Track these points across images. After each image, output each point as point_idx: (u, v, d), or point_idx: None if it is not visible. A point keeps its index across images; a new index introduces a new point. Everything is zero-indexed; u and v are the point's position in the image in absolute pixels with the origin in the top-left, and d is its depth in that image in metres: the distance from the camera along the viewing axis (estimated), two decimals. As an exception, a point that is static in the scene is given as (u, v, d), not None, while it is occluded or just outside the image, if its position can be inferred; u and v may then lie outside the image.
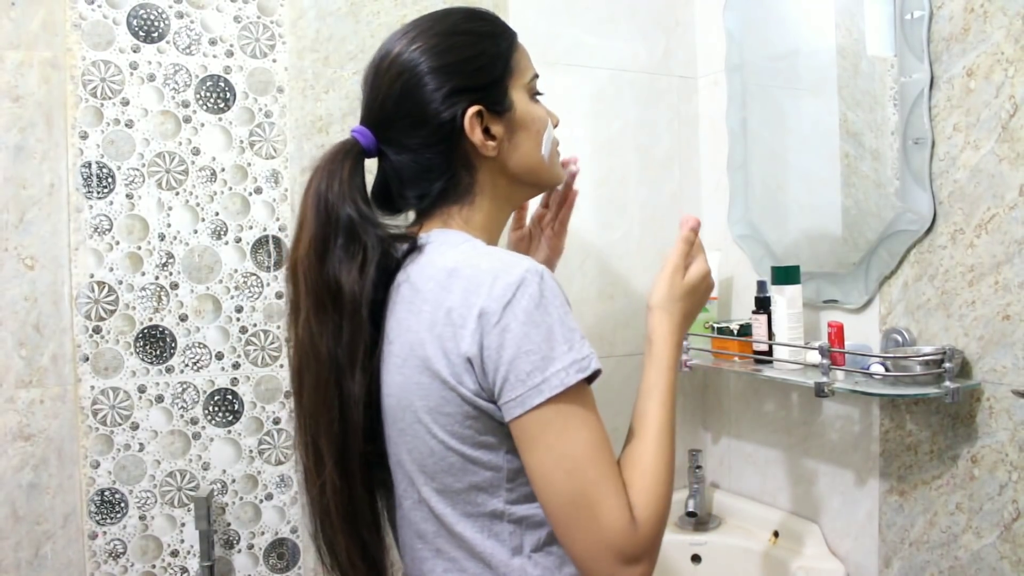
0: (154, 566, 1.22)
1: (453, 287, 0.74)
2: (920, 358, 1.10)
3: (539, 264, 0.75)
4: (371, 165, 0.87)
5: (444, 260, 0.78)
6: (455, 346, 0.73)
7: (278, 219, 1.29)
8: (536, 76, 0.90)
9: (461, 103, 0.82)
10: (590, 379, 0.73)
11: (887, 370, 1.13)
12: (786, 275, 1.28)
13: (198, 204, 1.24)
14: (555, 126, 0.92)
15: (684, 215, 0.90)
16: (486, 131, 0.84)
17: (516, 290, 0.71)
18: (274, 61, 1.28)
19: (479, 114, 0.83)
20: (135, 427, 1.21)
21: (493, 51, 0.86)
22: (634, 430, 0.79)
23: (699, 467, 1.52)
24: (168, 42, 1.22)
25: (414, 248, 0.82)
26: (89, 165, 1.18)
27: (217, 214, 1.25)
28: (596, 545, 0.71)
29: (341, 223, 0.79)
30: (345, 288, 0.78)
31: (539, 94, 0.91)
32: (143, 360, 1.21)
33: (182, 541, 1.24)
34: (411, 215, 0.90)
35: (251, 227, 1.27)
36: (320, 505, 0.81)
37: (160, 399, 1.22)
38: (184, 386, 1.24)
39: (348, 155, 0.83)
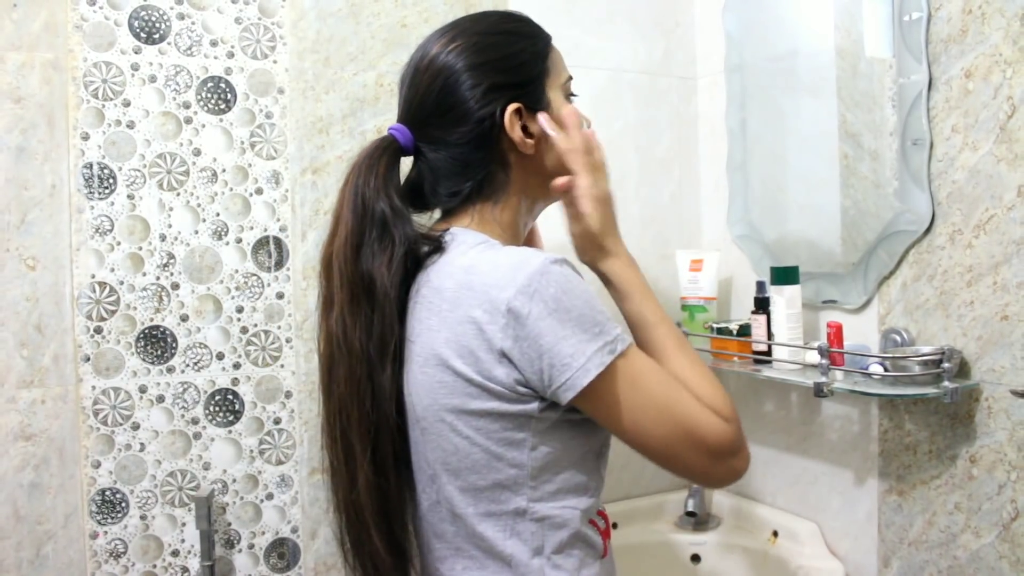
0: (155, 566, 1.22)
1: (474, 284, 0.75)
2: (919, 358, 1.11)
3: (559, 255, 0.77)
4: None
5: (463, 260, 0.79)
6: (483, 343, 0.74)
7: (279, 220, 1.29)
8: (571, 78, 0.92)
9: (500, 100, 0.83)
10: None
11: (886, 370, 1.13)
12: (785, 275, 1.28)
13: (199, 205, 1.25)
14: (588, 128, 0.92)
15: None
16: (524, 129, 0.85)
17: (541, 279, 0.73)
18: (275, 62, 1.29)
19: (518, 111, 0.84)
20: (136, 427, 1.21)
21: (531, 50, 0.88)
22: (661, 355, 0.83)
23: (699, 467, 1.52)
24: (169, 43, 1.22)
25: (438, 248, 0.83)
26: (90, 166, 1.18)
27: (218, 215, 1.26)
28: (710, 457, 0.77)
29: (376, 218, 0.81)
30: (377, 281, 0.80)
31: (573, 95, 0.92)
32: (144, 360, 1.22)
33: (183, 541, 1.24)
34: (437, 213, 0.92)
35: (252, 228, 1.28)
36: (349, 501, 0.81)
37: (161, 399, 1.23)
38: (185, 386, 1.24)
39: (385, 152, 0.85)
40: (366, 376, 0.79)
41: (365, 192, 0.82)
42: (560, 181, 0.86)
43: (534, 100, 0.86)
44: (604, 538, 0.85)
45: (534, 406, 0.75)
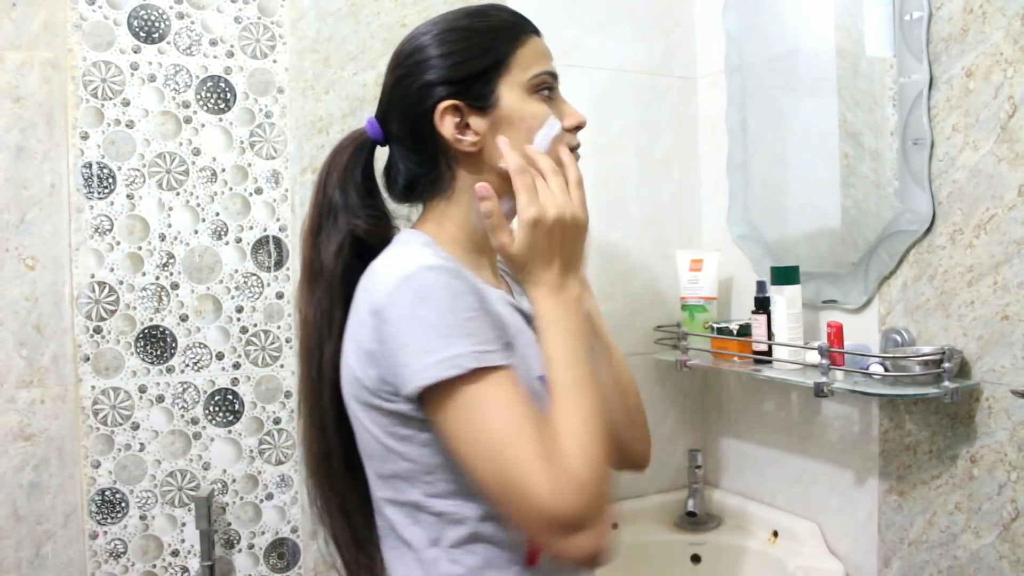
0: (155, 566, 1.22)
1: (368, 286, 0.79)
2: (919, 358, 1.11)
3: (443, 263, 0.75)
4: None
5: (377, 261, 0.82)
6: (363, 342, 0.77)
7: (278, 219, 1.29)
8: (543, 74, 0.86)
9: (436, 95, 0.83)
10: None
11: (886, 370, 1.13)
12: (786, 275, 1.28)
13: (199, 204, 1.25)
14: (572, 127, 0.88)
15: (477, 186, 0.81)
16: (467, 126, 0.84)
17: (405, 284, 0.73)
18: (274, 62, 1.28)
19: (455, 108, 0.82)
20: (136, 427, 1.21)
21: (484, 45, 0.85)
22: (552, 398, 0.76)
23: (699, 467, 1.52)
24: (169, 43, 1.22)
25: (382, 246, 0.86)
26: (90, 165, 1.18)
27: (217, 214, 1.26)
28: (533, 522, 0.69)
29: (332, 206, 0.86)
30: (325, 264, 0.85)
31: (545, 90, 0.87)
32: (144, 360, 1.22)
33: (183, 541, 1.24)
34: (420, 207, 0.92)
35: (251, 227, 1.28)
36: (305, 462, 0.89)
37: (161, 399, 1.23)
38: (185, 386, 1.24)
39: (352, 143, 0.89)
40: (316, 345, 0.85)
41: (327, 181, 0.87)
42: (478, 186, 0.81)
43: (476, 97, 0.83)
44: (543, 550, 0.81)
45: (407, 407, 0.75)
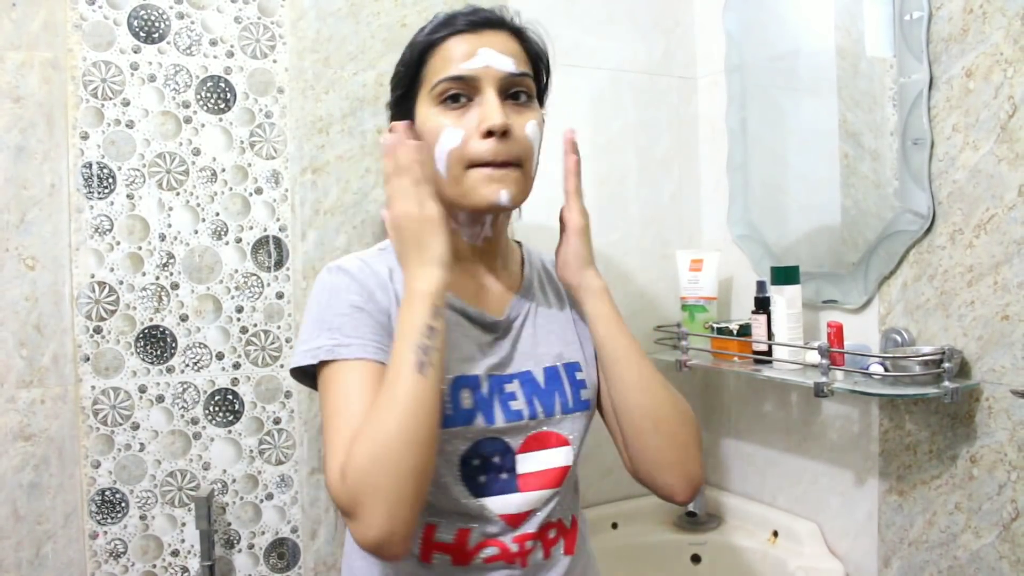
0: (155, 566, 1.22)
1: None
2: (919, 358, 1.11)
3: (346, 263, 0.85)
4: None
5: None
6: None
7: (278, 219, 1.29)
8: (443, 81, 0.81)
9: (390, 117, 0.91)
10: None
11: (886, 370, 1.13)
12: (785, 275, 1.28)
13: (198, 204, 1.25)
14: (483, 132, 0.80)
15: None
16: None
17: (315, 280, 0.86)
18: (274, 62, 1.28)
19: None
20: (136, 427, 1.21)
21: (405, 62, 0.88)
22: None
23: (699, 467, 1.52)
24: (169, 43, 1.22)
25: None
26: (90, 165, 1.18)
27: (217, 214, 1.26)
28: (332, 496, 0.74)
29: None
30: None
31: (453, 99, 0.82)
32: (144, 360, 1.22)
33: (183, 541, 1.24)
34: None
35: (251, 227, 1.28)
36: None
37: (161, 399, 1.23)
38: (185, 386, 1.24)
39: None
40: None
41: None
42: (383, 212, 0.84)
43: (405, 116, 0.86)
44: (438, 549, 0.83)
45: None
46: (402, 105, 0.88)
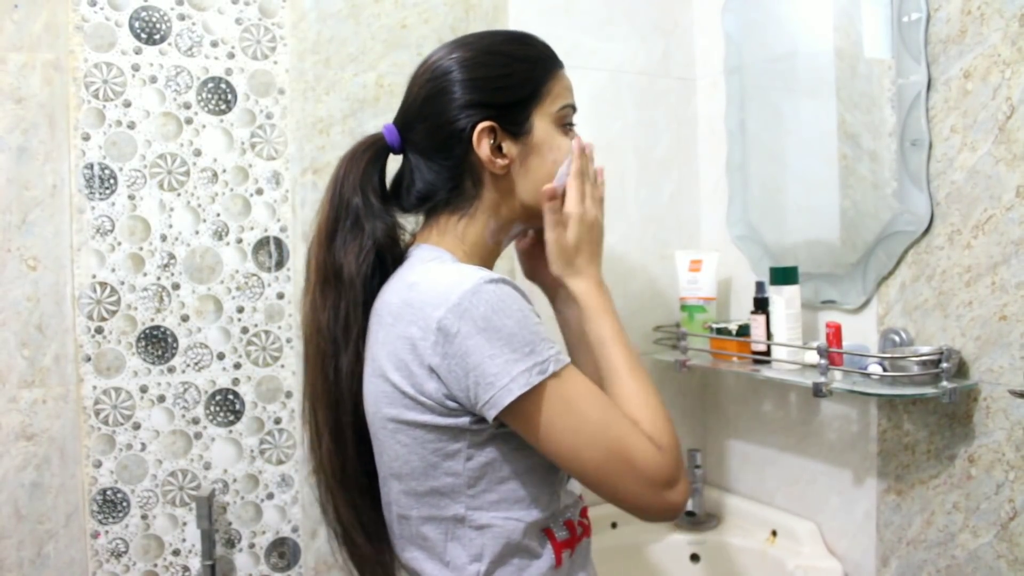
0: (156, 565, 1.23)
1: (413, 301, 0.78)
2: (917, 358, 1.11)
3: (496, 274, 0.78)
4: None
5: (411, 276, 0.82)
6: (416, 358, 0.76)
7: (279, 220, 1.29)
8: (568, 107, 0.91)
9: (475, 116, 0.85)
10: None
11: (885, 370, 1.14)
12: (784, 276, 1.28)
13: (199, 205, 1.25)
14: (587, 158, 0.91)
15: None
16: (499, 148, 0.86)
17: (472, 298, 0.74)
18: (275, 63, 1.29)
19: (491, 130, 0.85)
20: (137, 427, 1.21)
21: (524, 74, 0.88)
22: (610, 377, 0.84)
23: (698, 467, 1.52)
24: (170, 44, 1.23)
25: (400, 259, 0.87)
26: (91, 166, 1.18)
27: (218, 215, 1.26)
28: (643, 485, 0.76)
29: (350, 210, 0.86)
30: (345, 269, 0.84)
31: (570, 125, 0.92)
32: (145, 360, 1.22)
33: (184, 540, 1.24)
34: (421, 218, 0.93)
35: (252, 228, 1.28)
36: (321, 469, 0.88)
37: (162, 399, 1.23)
38: (186, 386, 1.24)
39: (370, 148, 0.90)
40: (331, 353, 0.85)
41: (344, 185, 0.87)
42: (548, 187, 0.87)
43: (512, 123, 0.86)
44: (564, 548, 0.84)
45: (465, 420, 0.77)
46: (515, 110, 0.87)
